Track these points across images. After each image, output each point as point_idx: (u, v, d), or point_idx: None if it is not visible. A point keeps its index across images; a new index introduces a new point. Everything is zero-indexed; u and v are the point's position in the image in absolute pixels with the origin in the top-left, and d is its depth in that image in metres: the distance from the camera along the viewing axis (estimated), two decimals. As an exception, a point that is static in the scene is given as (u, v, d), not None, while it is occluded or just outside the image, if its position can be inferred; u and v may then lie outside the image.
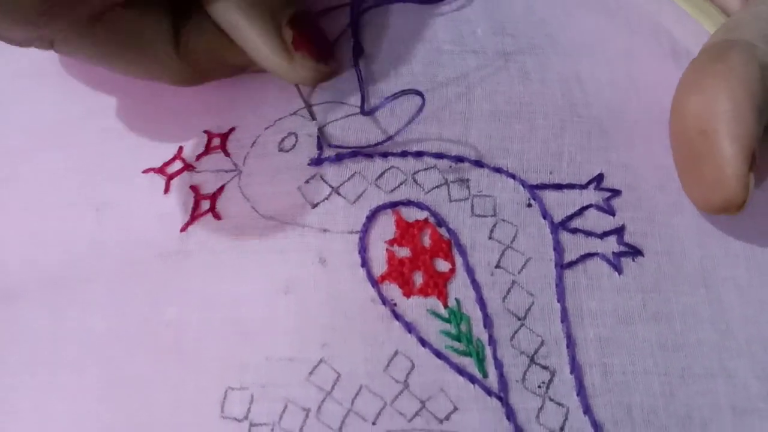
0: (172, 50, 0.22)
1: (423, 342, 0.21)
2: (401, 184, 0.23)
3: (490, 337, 0.21)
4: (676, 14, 0.28)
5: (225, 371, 0.20)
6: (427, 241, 0.22)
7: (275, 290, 0.21)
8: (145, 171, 0.23)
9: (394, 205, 0.22)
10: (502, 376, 0.20)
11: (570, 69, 0.26)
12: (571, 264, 0.22)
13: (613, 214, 0.23)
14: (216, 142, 0.24)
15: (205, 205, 0.22)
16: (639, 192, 0.24)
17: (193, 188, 0.23)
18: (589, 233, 0.23)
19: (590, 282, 0.22)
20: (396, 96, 0.22)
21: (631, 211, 0.23)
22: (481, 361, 0.21)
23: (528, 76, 0.25)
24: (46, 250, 0.23)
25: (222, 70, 0.24)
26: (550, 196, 0.23)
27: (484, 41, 0.26)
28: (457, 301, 0.21)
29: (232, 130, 0.24)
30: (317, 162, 0.23)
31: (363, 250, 0.22)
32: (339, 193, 0.22)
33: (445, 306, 0.21)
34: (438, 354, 0.21)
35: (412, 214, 0.22)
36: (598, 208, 0.23)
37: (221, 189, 0.23)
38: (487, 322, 0.21)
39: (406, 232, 0.22)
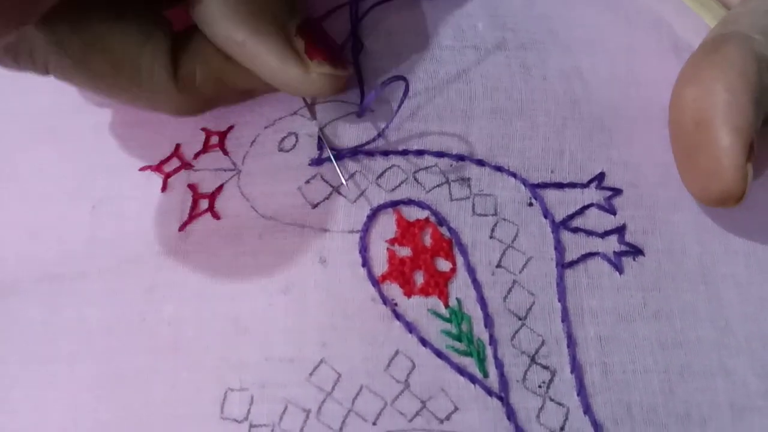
0: (172, 83, 0.21)
1: (424, 342, 0.21)
2: (402, 183, 0.23)
3: (491, 336, 0.21)
4: (678, 9, 0.28)
5: (224, 371, 0.20)
6: (428, 240, 0.22)
7: (275, 290, 0.21)
8: (142, 168, 0.23)
9: (394, 204, 0.22)
10: (502, 376, 0.20)
11: (571, 64, 0.26)
12: (572, 263, 0.22)
13: (614, 213, 0.23)
14: (214, 140, 0.23)
15: (204, 204, 0.22)
16: (640, 189, 0.24)
17: (191, 187, 0.23)
18: (590, 232, 0.23)
19: (591, 281, 0.22)
20: (384, 85, 0.22)
21: (632, 209, 0.23)
22: (481, 361, 0.21)
23: (529, 72, 0.25)
24: (42, 245, 0.23)
25: (226, 98, 0.23)
26: (551, 195, 0.23)
27: (485, 36, 0.25)
28: (458, 300, 0.21)
29: (230, 128, 0.24)
30: (317, 162, 0.23)
31: (363, 249, 0.21)
32: (339, 193, 0.22)
33: (446, 306, 0.21)
34: (439, 354, 0.21)
35: (413, 213, 0.22)
36: (600, 207, 0.23)
37: (220, 188, 0.23)
38: (488, 321, 0.21)
39: (406, 232, 0.22)
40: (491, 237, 0.22)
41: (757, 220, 0.24)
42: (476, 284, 0.21)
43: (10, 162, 0.24)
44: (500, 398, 0.20)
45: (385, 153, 0.23)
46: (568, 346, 0.21)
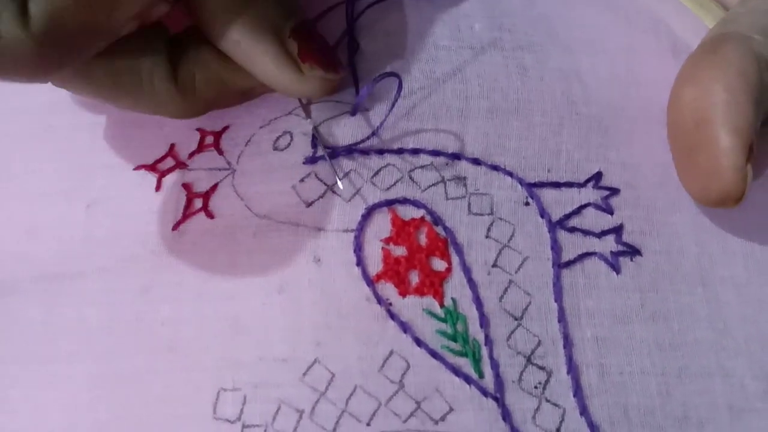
0: (172, 86, 0.21)
1: (418, 342, 0.20)
2: (397, 181, 0.22)
3: (487, 337, 0.21)
4: (677, 9, 0.28)
5: (218, 371, 0.20)
6: (423, 239, 0.22)
7: (269, 289, 0.21)
8: (137, 168, 0.23)
9: (390, 203, 0.22)
10: (498, 377, 0.20)
11: (570, 65, 0.25)
12: (569, 263, 0.22)
13: (612, 213, 0.23)
14: (209, 140, 0.23)
15: (198, 203, 0.22)
16: (638, 190, 0.24)
17: (186, 186, 0.23)
18: (587, 232, 0.23)
19: (588, 281, 0.22)
20: (377, 80, 0.22)
21: (630, 209, 0.23)
22: (477, 362, 0.20)
23: (526, 72, 0.25)
24: (38, 244, 0.23)
25: (226, 99, 0.23)
26: (547, 195, 0.23)
27: (482, 37, 0.25)
28: (454, 300, 0.21)
29: (225, 128, 0.23)
30: (312, 160, 0.22)
31: (358, 248, 0.21)
32: (334, 192, 0.22)
33: (441, 305, 0.21)
34: (434, 354, 0.20)
35: (409, 212, 0.22)
36: (597, 206, 0.23)
37: (214, 187, 0.22)
38: (484, 321, 0.21)
39: (402, 231, 0.22)
40: (487, 236, 0.22)
41: (756, 222, 0.24)
42: (472, 284, 0.21)
43: (6, 160, 0.24)
44: (496, 399, 0.20)
45: (381, 151, 0.23)
46: (565, 347, 0.21)
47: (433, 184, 0.23)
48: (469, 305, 0.21)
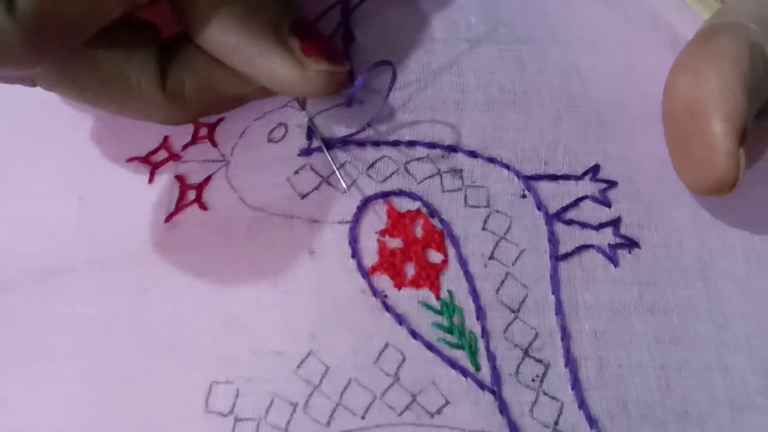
0: (160, 94, 0.20)
1: (414, 334, 0.20)
2: (393, 173, 0.22)
3: (483, 329, 0.20)
4: (676, 6, 0.28)
5: (210, 364, 0.19)
6: (419, 231, 0.22)
7: (263, 282, 0.20)
8: (130, 160, 0.23)
9: (385, 195, 0.22)
10: (495, 370, 0.20)
11: (568, 60, 0.25)
12: (566, 256, 0.22)
13: (609, 206, 0.23)
14: (203, 131, 0.23)
15: (191, 195, 0.22)
16: (636, 183, 0.23)
17: (179, 178, 0.22)
18: (584, 225, 0.22)
19: (586, 274, 0.22)
20: (371, 69, 0.21)
21: (628, 202, 0.23)
22: (473, 354, 0.20)
23: (524, 65, 0.25)
24: (32, 239, 0.22)
25: (217, 107, 0.22)
26: (544, 187, 0.23)
27: (479, 30, 0.25)
28: (450, 292, 0.21)
29: (220, 120, 0.23)
30: (307, 152, 0.22)
31: (353, 240, 0.21)
32: (329, 183, 0.22)
33: (438, 298, 0.21)
34: (429, 346, 0.20)
35: (404, 204, 0.22)
36: (594, 199, 0.23)
37: (208, 179, 0.22)
38: (480, 314, 0.21)
39: (397, 223, 0.22)
40: (484, 229, 0.22)
41: (756, 215, 0.24)
42: (468, 276, 0.21)
43: (4, 159, 0.24)
44: (492, 392, 0.20)
45: (376, 143, 0.23)
46: (562, 340, 0.21)
47: (429, 177, 0.22)
48: (466, 297, 0.21)
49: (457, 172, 0.23)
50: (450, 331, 0.20)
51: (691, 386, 0.21)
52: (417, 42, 0.25)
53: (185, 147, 0.23)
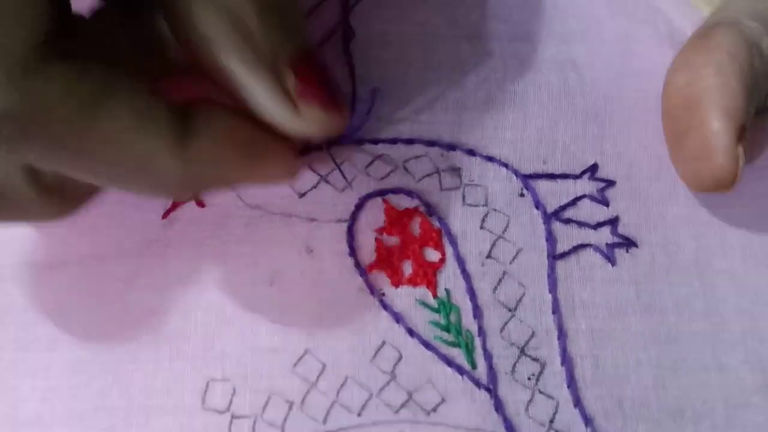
0: (177, 170, 0.17)
1: (411, 332, 0.20)
2: (391, 172, 0.22)
3: (480, 328, 0.21)
4: (674, 0, 0.28)
5: (207, 361, 0.20)
6: (416, 229, 0.22)
7: (260, 280, 0.21)
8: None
9: (383, 193, 0.22)
10: (491, 368, 0.20)
11: (566, 56, 0.25)
12: (564, 255, 0.22)
13: (607, 205, 0.23)
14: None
15: (190, 192, 0.22)
16: (634, 182, 0.23)
17: (177, 175, 0.22)
18: (582, 224, 0.22)
19: (583, 273, 0.22)
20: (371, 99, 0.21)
21: (626, 201, 0.23)
22: (470, 353, 0.20)
23: (522, 63, 0.25)
24: (27, 235, 0.22)
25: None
26: (543, 186, 0.23)
27: (479, 27, 0.25)
28: (447, 291, 0.21)
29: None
30: (305, 151, 0.22)
31: (351, 238, 0.21)
32: (327, 182, 0.22)
33: (435, 296, 0.21)
34: (426, 345, 0.20)
35: (402, 203, 0.22)
36: (592, 198, 0.23)
37: (206, 176, 0.22)
38: (477, 312, 0.21)
39: (395, 221, 0.22)
40: (481, 227, 0.22)
41: (754, 214, 0.24)
42: (465, 275, 0.21)
43: None
44: (488, 390, 0.20)
45: (375, 141, 0.23)
46: (559, 338, 0.21)
47: (428, 175, 0.22)
48: (463, 296, 0.21)
49: (455, 170, 0.23)
50: (447, 329, 0.20)
51: (686, 385, 0.21)
52: (417, 39, 0.25)
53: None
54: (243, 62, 0.17)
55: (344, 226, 0.21)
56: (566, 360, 0.20)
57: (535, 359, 0.20)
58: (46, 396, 0.19)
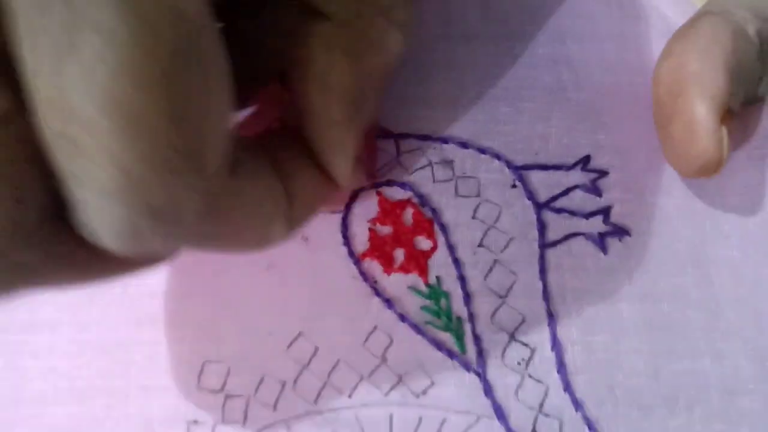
0: (287, 231, 0.17)
1: (402, 317, 0.21)
2: (385, 164, 0.23)
3: (470, 313, 0.21)
4: (670, -5, 0.28)
5: (203, 343, 0.20)
6: (409, 219, 0.22)
7: (257, 266, 0.21)
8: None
9: (377, 186, 0.22)
10: (480, 353, 0.20)
11: (560, 53, 0.26)
12: (555, 243, 0.22)
13: (600, 195, 0.23)
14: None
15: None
16: (627, 172, 0.24)
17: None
18: (574, 213, 0.23)
19: (574, 261, 0.22)
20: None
21: (619, 191, 0.23)
22: (459, 337, 0.21)
23: (516, 60, 0.25)
24: None
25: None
26: (535, 177, 0.23)
27: (474, 25, 0.26)
28: (438, 278, 0.21)
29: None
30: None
31: (345, 228, 0.22)
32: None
33: (426, 283, 0.21)
34: (417, 329, 0.21)
35: (395, 194, 0.22)
36: (585, 188, 0.23)
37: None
38: (467, 299, 0.21)
39: (388, 211, 0.22)
40: (473, 217, 0.22)
41: (751, 201, 0.24)
42: (457, 262, 0.22)
43: None
44: (478, 374, 0.20)
45: (369, 136, 0.23)
46: (549, 324, 0.21)
47: (421, 168, 0.23)
48: (454, 283, 0.21)
49: (448, 163, 0.23)
50: (437, 314, 0.21)
51: (680, 372, 0.21)
52: (414, 37, 0.25)
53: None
54: (339, 131, 0.17)
55: (338, 216, 0.22)
56: (556, 345, 0.21)
57: (525, 344, 0.21)
58: (48, 376, 0.20)
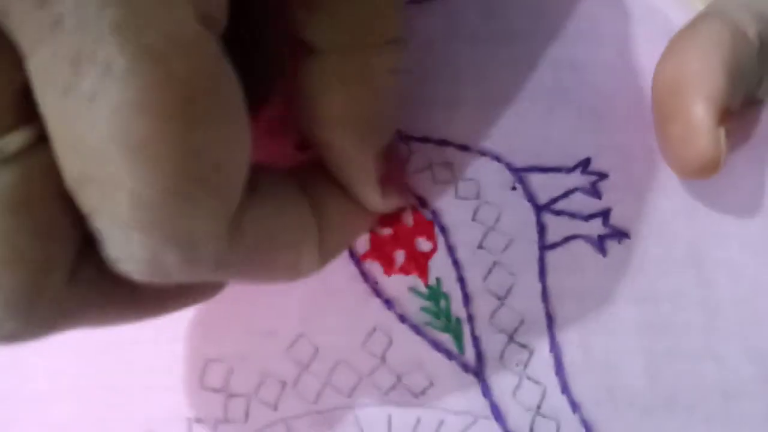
0: (318, 264, 0.17)
1: (402, 318, 0.21)
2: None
3: (469, 315, 0.21)
4: (672, -4, 0.28)
5: (205, 343, 0.20)
6: (409, 221, 0.22)
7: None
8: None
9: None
10: (479, 353, 0.21)
11: (561, 54, 0.26)
12: (555, 245, 0.22)
13: (600, 197, 0.23)
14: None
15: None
16: (627, 175, 0.24)
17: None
18: (574, 215, 0.23)
19: (573, 263, 0.22)
20: None
21: (619, 193, 0.23)
22: (458, 338, 0.21)
23: (517, 62, 0.25)
24: None
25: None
26: (535, 179, 0.23)
27: (474, 27, 0.26)
28: (438, 279, 0.21)
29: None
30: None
31: (346, 230, 0.22)
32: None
33: (426, 284, 0.21)
34: (416, 330, 0.21)
35: (396, 196, 0.23)
36: (584, 191, 0.23)
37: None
38: (467, 300, 0.21)
39: (389, 214, 0.22)
40: (473, 219, 0.22)
41: (752, 203, 0.24)
42: (456, 264, 0.22)
43: None
44: (476, 375, 0.20)
45: (370, 137, 0.23)
46: (548, 326, 0.21)
47: (421, 170, 0.23)
48: (454, 284, 0.21)
49: (448, 165, 0.23)
50: (437, 315, 0.21)
51: (680, 373, 0.21)
52: (413, 38, 0.25)
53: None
54: (358, 163, 0.17)
55: (339, 217, 0.22)
56: (555, 346, 0.21)
57: (524, 345, 0.21)
58: (51, 374, 0.20)
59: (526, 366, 0.21)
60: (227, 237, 0.13)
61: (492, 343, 0.21)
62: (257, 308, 0.21)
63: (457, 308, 0.21)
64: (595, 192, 0.23)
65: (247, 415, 0.20)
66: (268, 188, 0.15)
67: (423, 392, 0.20)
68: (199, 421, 0.20)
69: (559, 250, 0.22)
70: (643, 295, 0.22)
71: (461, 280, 0.21)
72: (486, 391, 0.20)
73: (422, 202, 0.23)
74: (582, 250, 0.22)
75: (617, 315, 0.22)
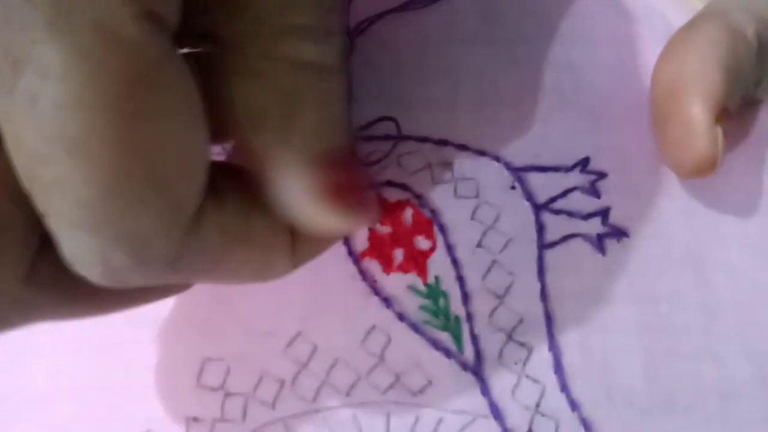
0: (291, 267, 0.17)
1: (401, 317, 0.21)
2: (385, 166, 0.23)
3: (468, 313, 0.21)
4: (671, -2, 0.28)
5: (203, 342, 0.20)
6: (408, 220, 0.22)
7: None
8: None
9: (376, 187, 0.23)
10: (478, 352, 0.21)
11: (561, 56, 0.26)
12: (554, 244, 0.22)
13: (598, 197, 0.23)
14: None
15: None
16: (626, 175, 0.24)
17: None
18: (572, 214, 0.23)
19: (572, 262, 0.22)
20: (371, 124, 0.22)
21: (618, 193, 0.23)
22: (457, 337, 0.21)
23: (517, 64, 0.25)
24: None
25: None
26: (534, 179, 0.23)
27: (473, 30, 0.26)
28: (437, 278, 0.21)
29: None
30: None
31: (344, 229, 0.22)
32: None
33: (425, 283, 0.21)
34: (415, 329, 0.21)
35: (395, 195, 0.23)
36: (583, 190, 0.23)
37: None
38: (466, 299, 0.21)
39: (387, 212, 0.22)
40: (472, 218, 0.22)
41: (749, 206, 0.24)
42: (455, 263, 0.22)
43: None
44: (475, 373, 0.20)
45: (368, 138, 0.23)
46: (546, 325, 0.21)
47: (420, 169, 0.23)
48: (453, 283, 0.21)
49: (447, 164, 0.23)
50: (435, 314, 0.21)
51: (678, 374, 0.21)
52: (412, 41, 0.25)
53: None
54: (278, 152, 0.15)
55: (338, 216, 0.22)
56: (553, 346, 0.21)
57: (522, 344, 0.21)
58: (51, 374, 0.20)
59: (525, 365, 0.21)
60: (182, 238, 0.13)
61: (491, 341, 0.21)
62: (255, 307, 0.21)
63: (456, 307, 0.21)
64: (594, 191, 0.23)
65: (244, 414, 0.20)
66: (235, 191, 0.15)
67: (422, 391, 0.20)
68: (196, 420, 0.20)
69: (558, 249, 0.22)
70: (642, 295, 0.22)
71: (460, 278, 0.21)
72: (485, 390, 0.20)
73: (421, 201, 0.23)
74: (581, 249, 0.22)
75: (616, 314, 0.22)
